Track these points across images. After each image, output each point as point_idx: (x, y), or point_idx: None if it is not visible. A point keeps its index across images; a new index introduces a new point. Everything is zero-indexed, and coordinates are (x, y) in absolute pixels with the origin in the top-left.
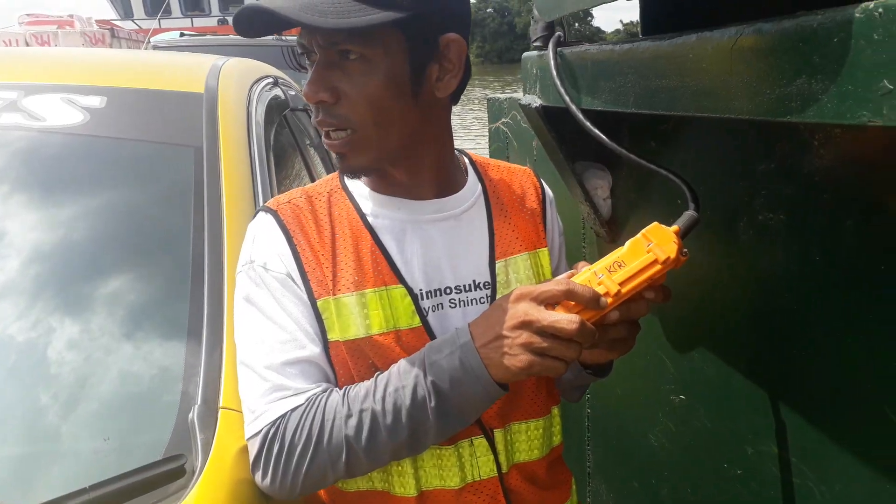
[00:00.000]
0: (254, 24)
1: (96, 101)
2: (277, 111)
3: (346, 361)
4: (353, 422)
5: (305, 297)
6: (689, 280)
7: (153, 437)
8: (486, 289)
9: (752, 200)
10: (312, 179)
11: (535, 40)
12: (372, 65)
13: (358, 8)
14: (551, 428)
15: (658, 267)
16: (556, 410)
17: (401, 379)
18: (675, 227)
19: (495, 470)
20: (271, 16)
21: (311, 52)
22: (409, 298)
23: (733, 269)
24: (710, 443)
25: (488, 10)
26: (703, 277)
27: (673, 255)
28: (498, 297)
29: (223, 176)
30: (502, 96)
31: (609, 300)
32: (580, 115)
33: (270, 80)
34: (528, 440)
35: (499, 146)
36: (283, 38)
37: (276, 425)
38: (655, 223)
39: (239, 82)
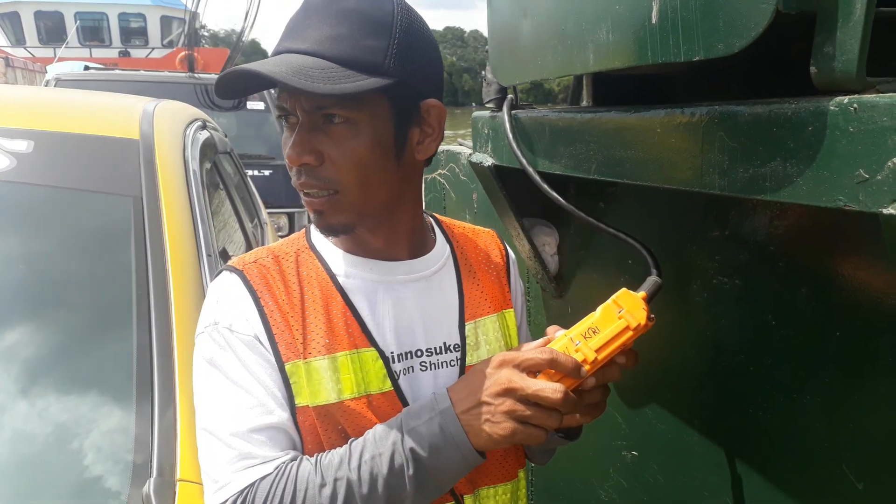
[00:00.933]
0: (235, 86)
1: (22, 146)
2: (209, 155)
3: (315, 427)
4: (327, 491)
5: (273, 360)
6: (642, 338)
7: None
8: (455, 351)
9: (705, 264)
10: (240, 221)
11: (487, 101)
12: (357, 128)
13: (347, 74)
14: (518, 492)
15: (630, 333)
16: (522, 474)
17: (377, 446)
18: (642, 294)
19: None
20: (257, 78)
21: (291, 115)
22: (380, 362)
23: (686, 329)
24: (663, 499)
25: None
26: (655, 336)
27: (643, 322)
28: (467, 359)
29: (166, 227)
30: (440, 148)
31: (587, 367)
32: (537, 178)
33: (200, 122)
34: None
35: (434, 196)
36: (197, 75)
37: (243, 495)
38: (624, 290)
39: (173, 127)
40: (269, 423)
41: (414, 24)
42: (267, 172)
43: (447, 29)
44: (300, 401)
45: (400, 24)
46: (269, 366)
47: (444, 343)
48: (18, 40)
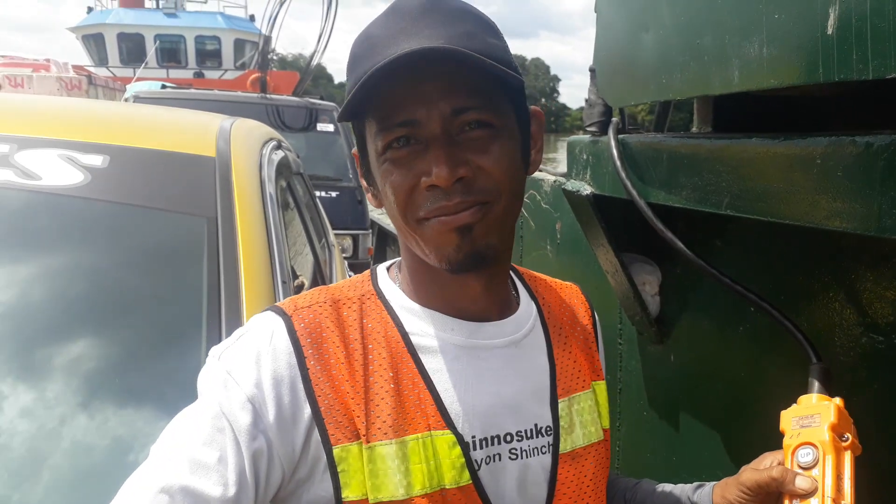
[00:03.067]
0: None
1: (98, 161)
2: (284, 175)
3: None
4: None
5: (265, 450)
6: (763, 393)
7: None
8: (547, 435)
9: (852, 318)
10: (310, 241)
11: (590, 125)
12: (498, 133)
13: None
14: None
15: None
16: None
17: None
18: (839, 400)
19: None
20: (432, 58)
21: (413, 136)
22: (458, 448)
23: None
24: None
25: None
26: (782, 393)
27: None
28: (561, 444)
29: (241, 251)
30: None
31: None
32: (650, 213)
33: (275, 141)
34: None
35: None
36: (268, 96)
37: None
38: (840, 407)
39: (250, 145)
40: (208, 493)
41: None
42: (334, 194)
43: None
44: (351, 494)
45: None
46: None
47: (536, 425)
48: (101, 60)
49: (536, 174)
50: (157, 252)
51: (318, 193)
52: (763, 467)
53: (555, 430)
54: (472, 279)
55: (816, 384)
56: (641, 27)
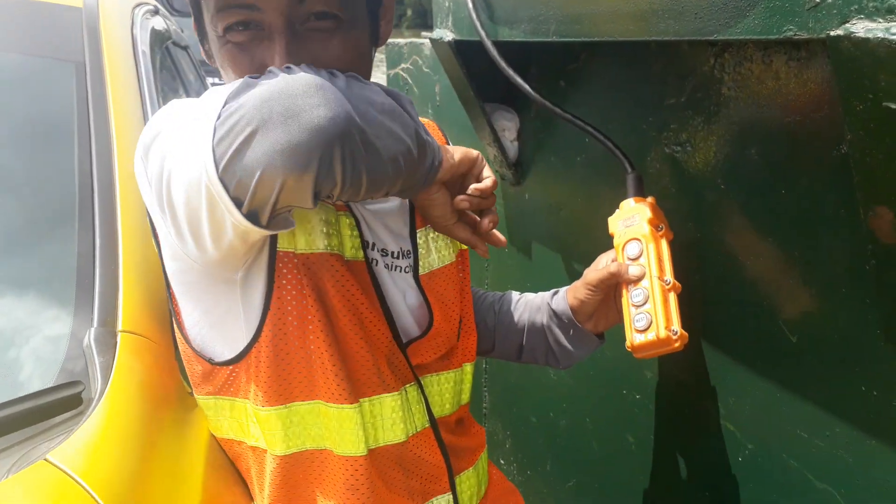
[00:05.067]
0: None
1: None
2: (159, 42)
3: (292, 275)
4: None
5: None
6: (595, 210)
7: (42, 362)
8: (408, 257)
9: (660, 134)
10: None
11: None
12: (345, 24)
13: None
14: (462, 382)
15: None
16: (469, 367)
17: None
18: (651, 199)
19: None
20: None
21: (253, 21)
22: (356, 231)
23: None
24: (610, 371)
25: None
26: (609, 207)
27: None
28: (420, 266)
29: (110, 95)
30: (402, 41)
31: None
32: (494, 52)
33: (151, 7)
34: (441, 393)
35: None
36: None
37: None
38: (653, 204)
39: (120, 4)
40: None
41: None
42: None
43: None
44: (282, 245)
45: None
46: None
47: (402, 248)
48: None
49: (417, 39)
50: (24, 99)
51: (212, 80)
52: (601, 266)
53: (414, 254)
54: None
55: (632, 190)
56: None
